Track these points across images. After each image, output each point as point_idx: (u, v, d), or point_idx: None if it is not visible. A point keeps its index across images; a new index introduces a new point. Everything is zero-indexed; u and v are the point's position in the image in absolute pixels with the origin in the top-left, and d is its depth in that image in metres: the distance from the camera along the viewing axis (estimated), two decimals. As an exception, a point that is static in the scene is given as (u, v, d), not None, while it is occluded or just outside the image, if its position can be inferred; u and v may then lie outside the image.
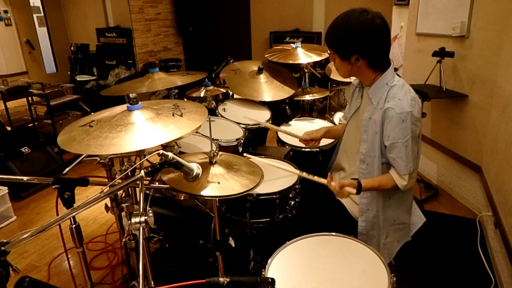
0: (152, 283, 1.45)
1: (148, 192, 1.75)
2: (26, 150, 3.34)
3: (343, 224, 1.63)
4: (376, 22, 1.39)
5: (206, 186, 1.31)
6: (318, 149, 2.16)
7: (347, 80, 2.66)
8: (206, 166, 1.40)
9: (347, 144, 1.73)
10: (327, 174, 1.90)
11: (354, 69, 1.49)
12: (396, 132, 1.42)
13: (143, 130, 1.23)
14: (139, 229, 1.05)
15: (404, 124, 1.40)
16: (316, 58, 2.72)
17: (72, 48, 5.45)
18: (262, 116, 2.55)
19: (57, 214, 1.05)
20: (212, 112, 2.50)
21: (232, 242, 1.54)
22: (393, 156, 1.46)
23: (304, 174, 1.62)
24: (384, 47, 1.46)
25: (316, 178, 1.56)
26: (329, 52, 1.54)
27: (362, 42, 1.41)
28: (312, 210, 1.87)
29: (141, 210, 1.07)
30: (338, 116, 2.69)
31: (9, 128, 3.80)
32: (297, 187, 1.77)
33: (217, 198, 1.50)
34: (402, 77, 1.54)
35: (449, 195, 3.02)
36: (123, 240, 1.46)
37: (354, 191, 1.45)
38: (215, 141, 2.12)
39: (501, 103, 2.31)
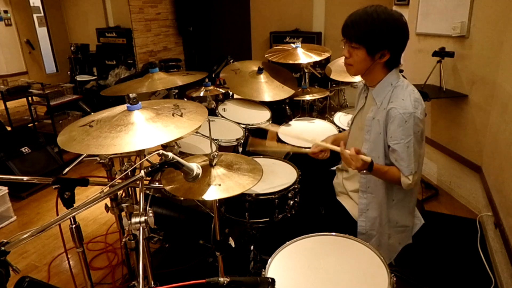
0: (152, 283, 1.45)
1: (148, 192, 1.75)
2: (26, 150, 3.34)
3: (343, 224, 1.63)
4: (404, 19, 1.40)
5: (207, 189, 1.31)
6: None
7: (347, 80, 2.68)
8: (206, 169, 1.40)
9: (351, 145, 1.72)
10: (327, 173, 1.92)
11: (373, 66, 1.46)
12: (398, 133, 1.41)
13: (143, 130, 1.23)
14: (139, 229, 1.05)
15: (407, 125, 1.40)
16: (316, 58, 2.72)
17: (72, 48, 5.45)
18: (262, 116, 2.55)
19: (57, 214, 1.05)
20: (212, 112, 2.50)
21: (232, 242, 1.54)
22: (395, 157, 1.46)
23: (318, 142, 1.58)
24: (406, 45, 1.46)
25: (330, 146, 1.53)
26: (353, 45, 1.44)
27: (395, 37, 1.39)
28: (312, 210, 1.87)
29: (141, 210, 1.06)
30: (338, 116, 2.69)
31: (9, 128, 3.80)
32: (296, 187, 1.77)
33: (217, 199, 1.50)
34: (403, 77, 1.54)
35: (449, 195, 3.02)
36: (123, 240, 1.46)
37: (369, 159, 1.36)
38: (215, 141, 2.12)
39: (501, 103, 2.31)
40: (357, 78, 1.72)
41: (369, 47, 1.41)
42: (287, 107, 2.66)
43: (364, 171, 1.41)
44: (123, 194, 1.70)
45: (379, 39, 1.39)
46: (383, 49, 1.41)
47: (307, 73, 2.94)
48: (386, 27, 1.37)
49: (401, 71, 1.63)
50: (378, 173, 1.47)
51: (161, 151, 1.11)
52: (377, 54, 1.42)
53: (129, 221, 1.06)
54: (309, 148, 1.79)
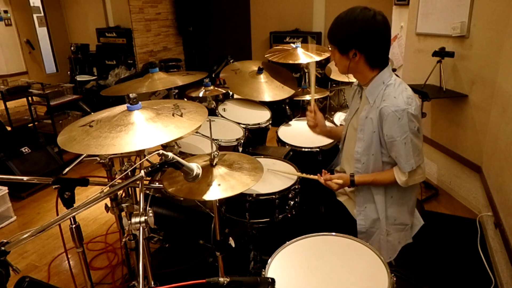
0: (152, 283, 1.45)
1: (148, 192, 1.75)
2: (26, 150, 3.34)
3: (343, 224, 1.63)
4: (377, 19, 1.41)
5: (208, 189, 1.31)
6: (318, 149, 2.16)
7: (347, 80, 2.68)
8: (207, 169, 1.40)
9: (348, 146, 1.73)
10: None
11: (352, 65, 1.50)
12: (393, 130, 1.43)
13: (143, 130, 1.23)
14: (139, 229, 1.05)
15: (401, 122, 1.41)
16: (316, 58, 2.72)
17: (72, 48, 5.45)
18: (262, 116, 2.55)
19: (57, 214, 1.05)
20: (212, 112, 2.50)
21: (232, 242, 1.53)
22: (394, 154, 1.48)
23: (298, 174, 1.74)
24: (383, 44, 1.47)
25: (309, 176, 1.68)
26: (329, 46, 1.56)
27: (361, 38, 1.42)
28: (312, 210, 1.87)
29: (141, 210, 1.07)
30: (338, 116, 2.69)
31: (9, 128, 3.80)
32: (296, 187, 1.77)
33: (217, 199, 1.50)
34: (402, 77, 1.55)
35: (449, 195, 3.02)
36: (123, 240, 1.46)
37: (341, 181, 1.55)
38: (215, 141, 2.12)
39: (501, 103, 2.31)
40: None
41: (339, 46, 1.49)
42: (287, 107, 2.67)
43: (351, 188, 1.54)
44: (123, 194, 1.70)
45: (345, 39, 1.45)
46: (350, 49, 1.45)
47: (307, 73, 2.94)
48: (350, 28, 1.42)
49: (394, 70, 1.65)
50: (366, 184, 1.53)
51: (161, 151, 1.11)
52: (349, 53, 1.47)
53: (129, 221, 1.06)
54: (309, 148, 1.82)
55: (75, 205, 1.19)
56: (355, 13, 1.42)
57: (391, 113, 1.41)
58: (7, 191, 2.86)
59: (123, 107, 1.36)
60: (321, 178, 1.64)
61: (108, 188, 1.10)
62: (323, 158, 2.16)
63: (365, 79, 1.53)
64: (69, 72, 5.54)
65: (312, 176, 1.70)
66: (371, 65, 1.49)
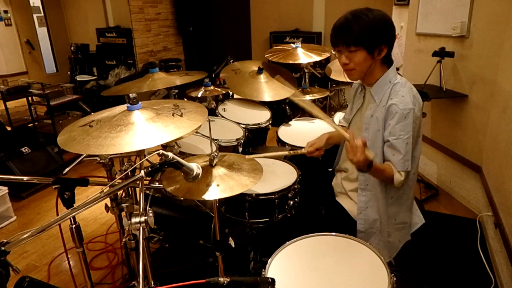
0: (152, 283, 1.45)
1: (148, 192, 1.75)
2: (26, 150, 3.34)
3: (342, 224, 1.63)
4: (388, 15, 1.45)
5: (207, 189, 1.31)
6: (318, 149, 2.16)
7: (347, 80, 2.68)
8: (206, 169, 1.40)
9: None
10: (326, 174, 1.92)
11: (373, 65, 1.48)
12: (398, 128, 1.42)
13: (143, 130, 1.23)
14: (139, 229, 1.05)
15: (406, 121, 1.41)
16: (316, 58, 2.72)
17: (72, 48, 5.46)
18: (262, 116, 2.55)
19: (57, 214, 1.05)
20: (212, 112, 2.50)
21: (232, 242, 1.54)
22: (392, 152, 1.46)
23: (333, 124, 1.49)
24: (394, 39, 1.50)
25: (341, 130, 1.40)
26: (351, 49, 1.44)
27: (387, 31, 1.44)
28: (312, 210, 1.87)
29: (141, 210, 1.07)
30: (338, 116, 2.68)
31: (9, 128, 3.80)
32: (296, 187, 1.77)
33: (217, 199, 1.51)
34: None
35: (449, 195, 3.02)
36: (123, 240, 1.46)
37: (372, 156, 1.32)
38: (215, 141, 2.12)
39: (501, 103, 2.31)
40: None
41: (368, 45, 1.44)
42: (287, 107, 2.67)
43: (364, 170, 1.40)
44: (123, 194, 1.70)
45: (376, 35, 1.42)
46: (380, 45, 1.44)
47: (307, 73, 2.94)
48: (378, 23, 1.41)
49: (397, 69, 1.64)
50: (377, 172, 1.46)
51: (161, 151, 1.11)
52: (375, 51, 1.45)
53: (129, 221, 1.06)
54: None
55: (75, 205, 1.19)
56: (369, 12, 1.42)
57: (399, 111, 1.41)
58: (7, 191, 2.86)
59: (123, 107, 1.36)
60: (355, 140, 1.29)
61: (108, 188, 1.10)
62: (323, 158, 2.16)
63: (374, 78, 1.53)
64: (69, 72, 5.54)
65: (344, 134, 1.35)
66: (386, 62, 1.50)
